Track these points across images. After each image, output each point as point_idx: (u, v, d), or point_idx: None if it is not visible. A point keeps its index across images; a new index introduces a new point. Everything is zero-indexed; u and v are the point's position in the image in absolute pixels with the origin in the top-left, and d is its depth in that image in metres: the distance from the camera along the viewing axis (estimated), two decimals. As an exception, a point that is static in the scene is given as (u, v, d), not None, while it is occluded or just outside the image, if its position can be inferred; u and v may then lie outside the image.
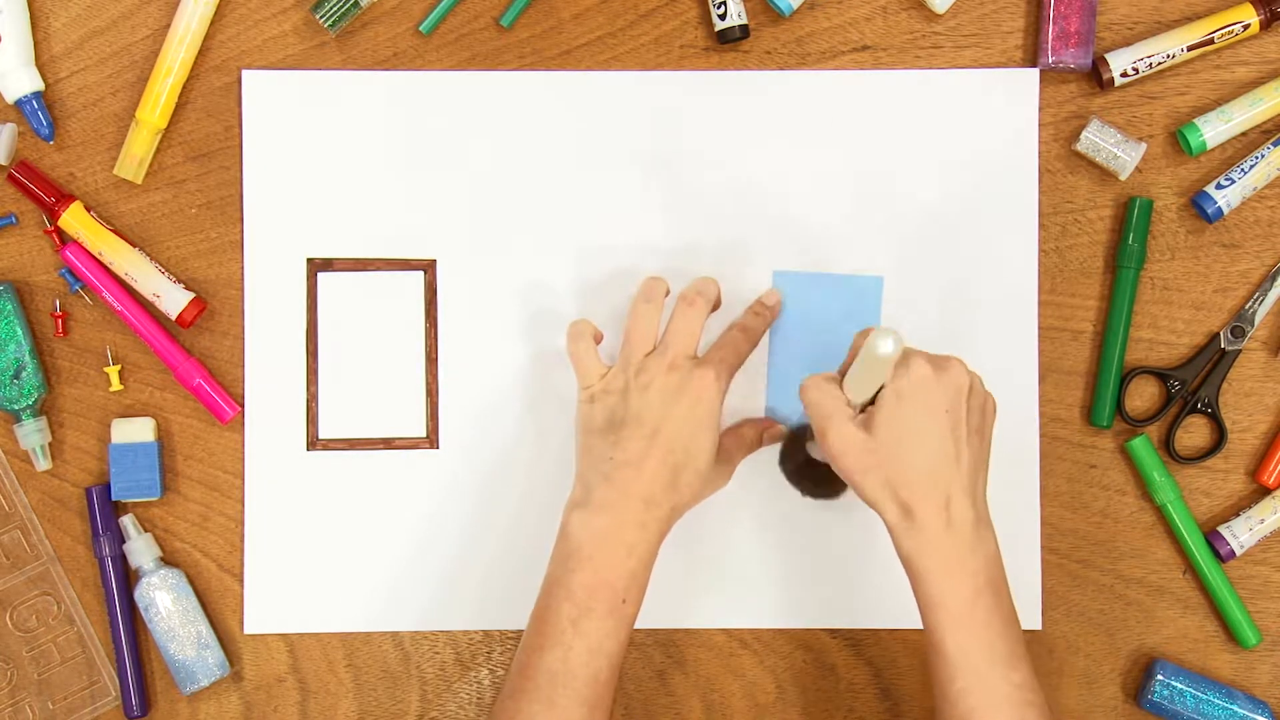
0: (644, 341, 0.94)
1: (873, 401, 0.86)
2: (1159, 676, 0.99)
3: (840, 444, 0.86)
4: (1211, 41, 0.99)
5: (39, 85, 0.99)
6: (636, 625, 1.00)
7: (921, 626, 1.01)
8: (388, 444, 1.01)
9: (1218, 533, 1.00)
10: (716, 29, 0.99)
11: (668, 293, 0.96)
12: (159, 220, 1.01)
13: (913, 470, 0.85)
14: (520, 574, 1.00)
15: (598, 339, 0.96)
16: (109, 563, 0.99)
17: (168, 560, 1.00)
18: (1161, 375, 1.01)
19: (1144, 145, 0.99)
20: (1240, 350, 1.01)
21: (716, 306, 0.96)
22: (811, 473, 0.97)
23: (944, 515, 0.85)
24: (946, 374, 0.86)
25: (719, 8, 0.99)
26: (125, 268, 0.99)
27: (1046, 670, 1.01)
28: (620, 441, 0.90)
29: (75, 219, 0.99)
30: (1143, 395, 1.02)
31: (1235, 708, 0.99)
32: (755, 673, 1.01)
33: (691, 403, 0.91)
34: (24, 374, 0.99)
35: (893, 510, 0.85)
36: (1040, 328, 1.01)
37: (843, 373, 0.90)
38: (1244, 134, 1.00)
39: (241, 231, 1.01)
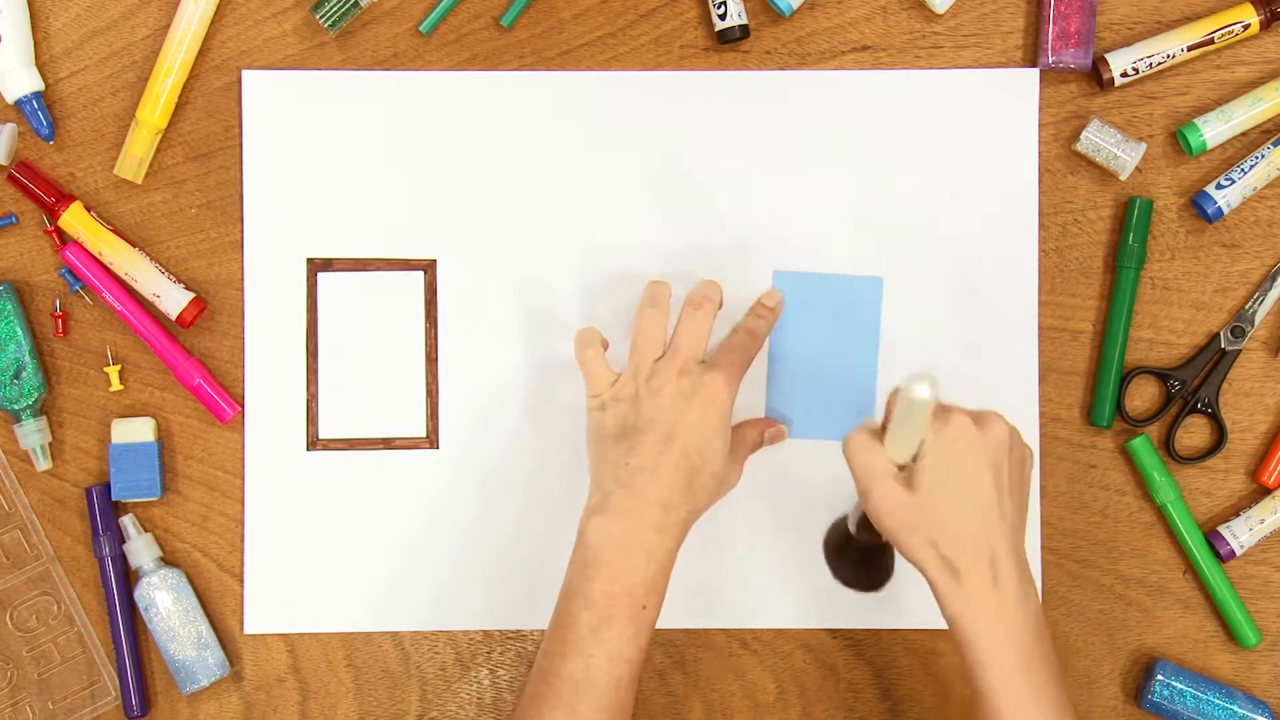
0: (652, 346, 0.94)
1: (914, 459, 0.85)
2: (1159, 676, 0.99)
3: (885, 504, 0.84)
4: (1211, 41, 0.99)
5: (39, 85, 0.99)
6: (637, 625, 1.00)
7: (923, 627, 1.01)
8: (388, 444, 1.01)
9: (1218, 533, 1.00)
10: (716, 29, 0.99)
11: (671, 296, 0.96)
12: (159, 220, 1.01)
13: (958, 528, 0.83)
14: (521, 574, 1.00)
15: (605, 346, 0.96)
16: (109, 563, 0.99)
17: (168, 560, 1.00)
18: (1161, 375, 1.01)
19: (1144, 145, 0.99)
20: (1240, 350, 1.01)
21: (719, 308, 0.96)
22: (854, 558, 0.96)
23: (990, 574, 0.83)
24: (987, 429, 0.85)
25: (719, 8, 0.99)
26: (125, 268, 0.99)
27: (1046, 670, 1.01)
28: (635, 447, 0.90)
29: (75, 219, 0.99)
30: (1143, 395, 1.02)
31: (1235, 708, 0.99)
32: (755, 673, 1.01)
33: (704, 406, 0.91)
34: (24, 374, 0.99)
35: (938, 569, 0.84)
36: (1040, 328, 1.01)
37: (883, 430, 0.87)
38: (1244, 134, 1.00)
39: (241, 231, 1.01)
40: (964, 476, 0.84)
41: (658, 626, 1.00)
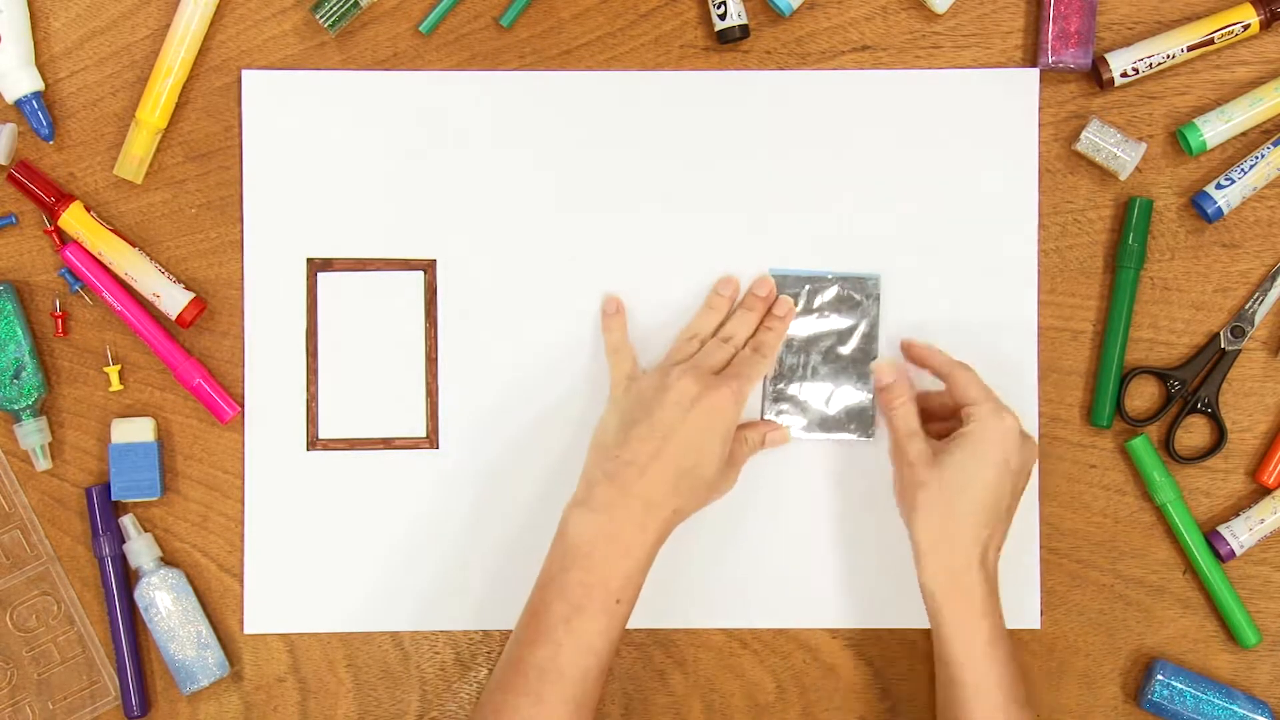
0: (689, 345, 0.97)
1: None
2: (1159, 676, 0.99)
3: (916, 457, 0.92)
4: (1211, 41, 0.99)
5: (39, 85, 0.99)
6: (637, 625, 1.00)
7: (923, 627, 1.01)
8: (388, 444, 1.01)
9: (1218, 533, 1.00)
10: (716, 29, 0.99)
11: (737, 290, 0.99)
12: (159, 220, 1.01)
13: (967, 513, 0.90)
14: (520, 574, 1.00)
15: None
16: (109, 563, 0.99)
17: (168, 560, 1.00)
18: (1161, 375, 1.01)
19: (1144, 145, 0.99)
20: (1240, 350, 1.01)
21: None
22: None
23: (980, 564, 0.90)
24: (1014, 424, 0.92)
25: (719, 8, 0.99)
26: (125, 268, 0.99)
27: (1046, 670, 1.01)
28: (628, 441, 0.91)
29: (75, 219, 0.99)
30: (1143, 395, 1.02)
31: (1235, 708, 0.99)
32: (755, 673, 1.01)
33: (705, 413, 0.92)
34: (24, 374, 0.99)
35: (934, 539, 0.90)
36: (1040, 328, 1.01)
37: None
38: (1244, 134, 1.00)
39: (241, 231, 1.01)
40: (993, 467, 0.91)
41: (659, 626, 1.00)
